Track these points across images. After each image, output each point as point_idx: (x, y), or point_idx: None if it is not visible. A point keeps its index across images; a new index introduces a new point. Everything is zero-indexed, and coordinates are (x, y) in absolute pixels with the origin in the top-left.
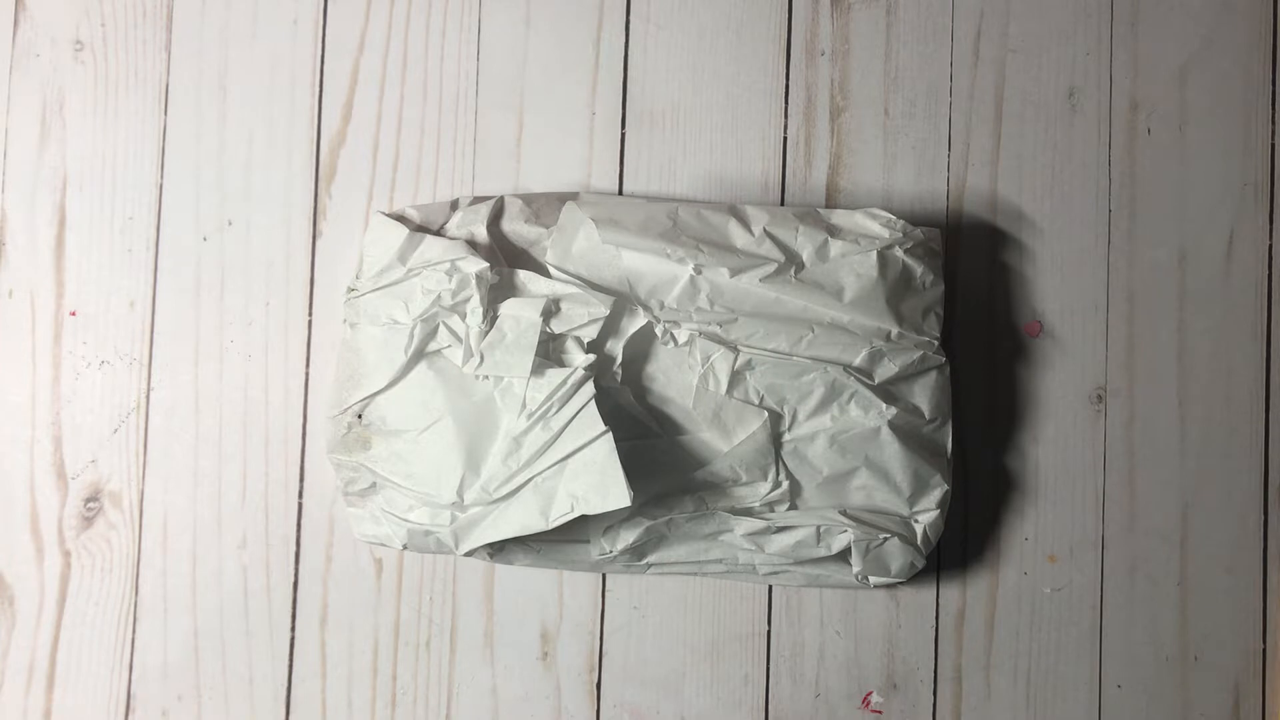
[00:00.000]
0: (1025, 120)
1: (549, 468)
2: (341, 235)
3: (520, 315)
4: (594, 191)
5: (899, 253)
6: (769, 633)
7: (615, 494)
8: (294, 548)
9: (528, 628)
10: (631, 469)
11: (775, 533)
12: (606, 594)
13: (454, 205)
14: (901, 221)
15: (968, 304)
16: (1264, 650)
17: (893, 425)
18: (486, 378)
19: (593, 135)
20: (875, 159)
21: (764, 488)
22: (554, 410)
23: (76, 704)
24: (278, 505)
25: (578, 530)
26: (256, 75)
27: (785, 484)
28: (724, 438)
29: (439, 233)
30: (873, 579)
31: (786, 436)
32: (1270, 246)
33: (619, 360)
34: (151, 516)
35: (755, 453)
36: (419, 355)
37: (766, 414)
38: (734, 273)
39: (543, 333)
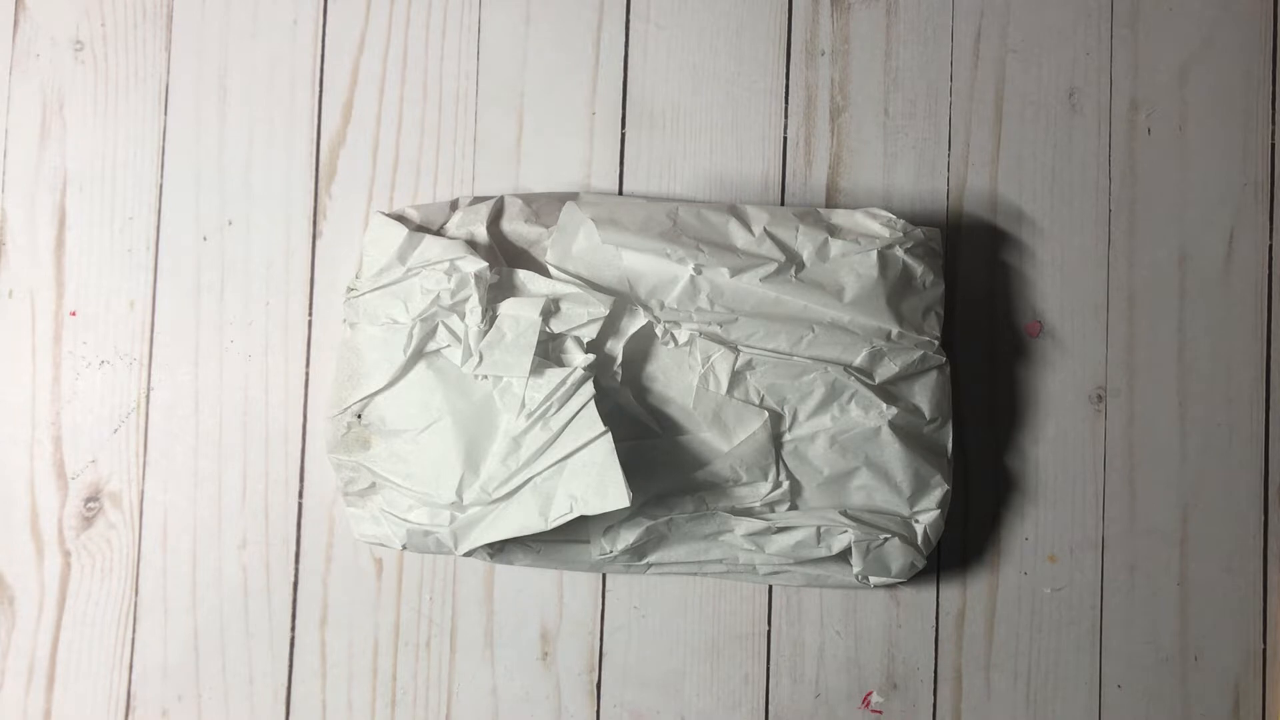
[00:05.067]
0: (1025, 120)
1: (548, 468)
2: (341, 235)
3: (520, 315)
4: (594, 191)
5: (899, 252)
6: (769, 633)
7: (614, 494)
8: (294, 548)
9: (528, 628)
10: (631, 469)
11: (775, 533)
12: (606, 594)
13: (454, 205)
14: (902, 221)
15: (968, 304)
16: (1264, 650)
17: (893, 425)
18: (486, 377)
19: (593, 135)
20: (875, 159)
21: (764, 488)
22: (553, 410)
23: (76, 704)
24: (278, 505)
25: (578, 530)
26: (256, 75)
27: (785, 484)
28: (724, 438)
29: (439, 233)
30: (873, 579)
31: (787, 436)
32: (1270, 246)
33: (619, 360)
34: (151, 516)
35: (755, 453)
36: (418, 355)
37: (767, 414)
38: (734, 273)
39: (542, 332)
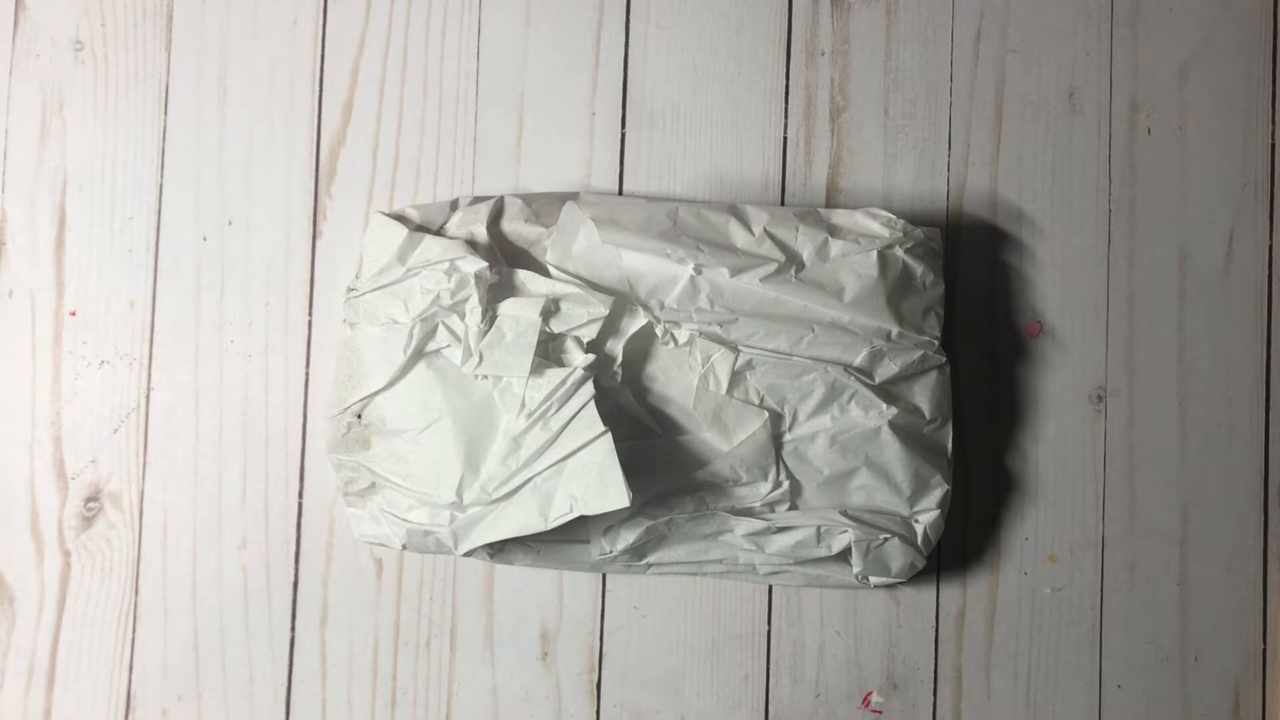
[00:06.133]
0: (1025, 120)
1: (548, 468)
2: (341, 235)
3: (519, 315)
4: (594, 191)
5: (899, 252)
6: (769, 633)
7: (614, 495)
8: (294, 548)
9: (528, 628)
10: (631, 469)
11: (775, 533)
12: (606, 594)
13: (454, 205)
14: (902, 221)
15: (968, 304)
16: (1264, 650)
17: (893, 425)
18: (486, 377)
19: (593, 135)
20: (875, 159)
21: (764, 488)
22: (553, 410)
23: (76, 704)
24: (278, 505)
25: (578, 530)
26: (256, 75)
27: (785, 484)
28: (724, 438)
29: (439, 233)
30: (873, 579)
31: (787, 436)
32: (1270, 246)
33: (619, 360)
34: (151, 516)
35: (755, 453)
36: (418, 355)
37: (767, 414)
38: (734, 273)
39: (542, 332)
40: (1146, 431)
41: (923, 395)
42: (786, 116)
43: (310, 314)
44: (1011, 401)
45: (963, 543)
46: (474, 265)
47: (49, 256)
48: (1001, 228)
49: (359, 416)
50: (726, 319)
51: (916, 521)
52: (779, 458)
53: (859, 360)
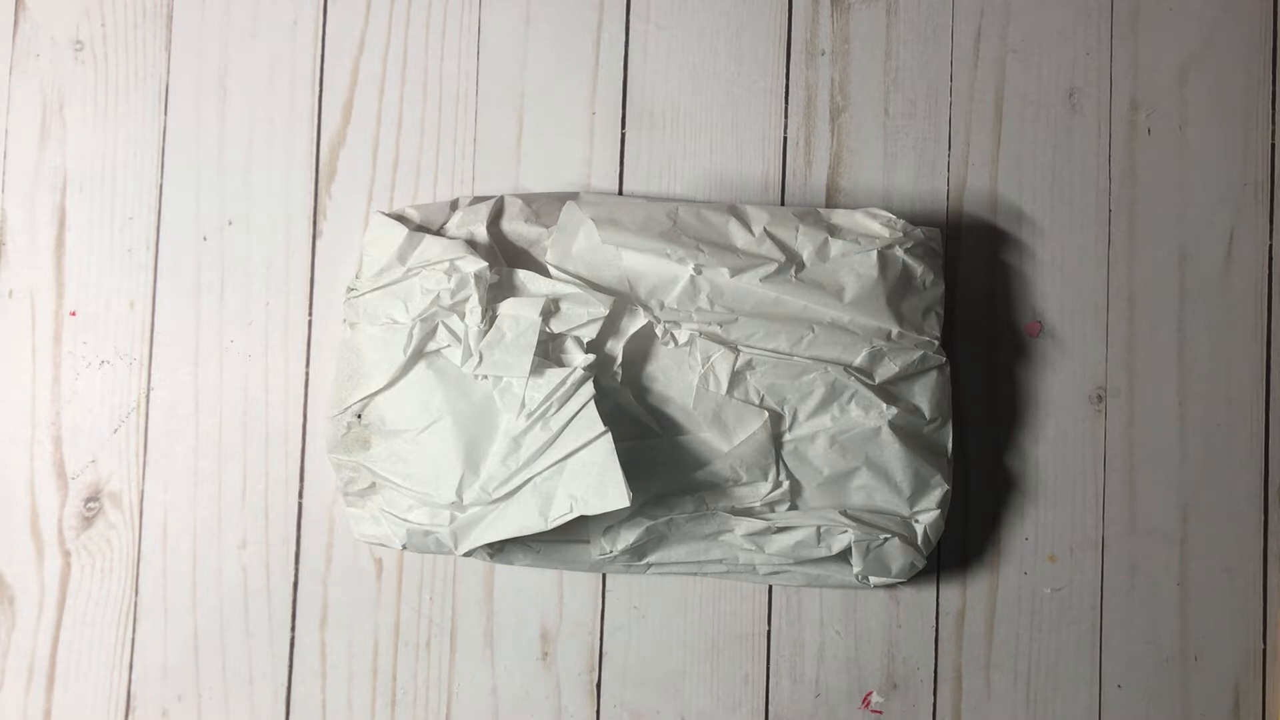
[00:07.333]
0: (1025, 120)
1: (548, 468)
2: (341, 235)
3: (519, 315)
4: (594, 191)
5: (899, 252)
6: (769, 633)
7: (614, 495)
8: (294, 548)
9: (528, 628)
10: (631, 469)
11: (775, 533)
12: (606, 594)
13: (454, 205)
14: (902, 221)
15: (968, 304)
16: (1264, 650)
17: (893, 425)
18: (486, 377)
19: (593, 135)
20: (875, 159)
21: (764, 488)
22: (553, 410)
23: (76, 704)
24: (278, 505)
25: (578, 530)
26: (256, 75)
27: (785, 484)
28: (724, 438)
29: (439, 233)
30: (873, 579)
31: (787, 436)
32: (1270, 246)
33: (619, 360)
34: (151, 516)
35: (755, 453)
36: (418, 355)
37: (767, 414)
38: (734, 273)
39: (542, 332)
40: (1146, 431)
41: (923, 395)
42: (786, 116)
43: (310, 314)
44: (1011, 401)
45: (963, 543)
46: (474, 265)
47: (49, 256)
48: (1001, 228)
49: (359, 416)
50: (726, 319)
51: (916, 521)
52: (779, 458)
53: (859, 360)
